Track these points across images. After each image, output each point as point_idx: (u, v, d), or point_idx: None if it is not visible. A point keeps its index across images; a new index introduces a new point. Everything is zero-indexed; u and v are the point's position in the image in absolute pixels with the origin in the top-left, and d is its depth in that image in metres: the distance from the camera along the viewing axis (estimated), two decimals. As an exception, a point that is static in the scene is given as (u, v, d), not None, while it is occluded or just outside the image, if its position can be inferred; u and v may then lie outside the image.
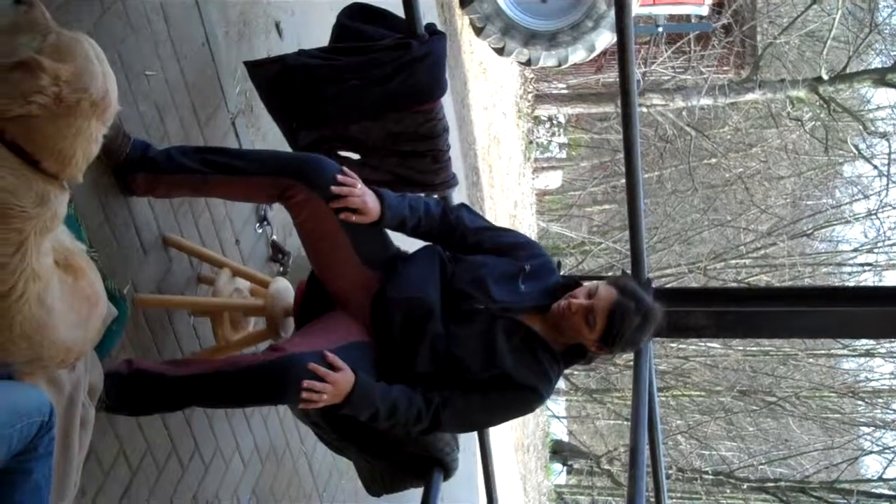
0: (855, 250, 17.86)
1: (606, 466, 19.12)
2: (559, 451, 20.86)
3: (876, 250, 17.15)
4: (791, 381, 17.63)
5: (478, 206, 10.60)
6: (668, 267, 16.91)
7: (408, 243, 3.15)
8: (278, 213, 4.11)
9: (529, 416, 16.94)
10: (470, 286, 2.98)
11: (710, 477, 17.94)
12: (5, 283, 2.00)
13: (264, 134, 4.05)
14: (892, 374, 18.05)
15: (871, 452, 18.11)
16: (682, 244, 17.42)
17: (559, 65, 10.46)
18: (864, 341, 15.14)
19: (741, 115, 16.37)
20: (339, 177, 2.85)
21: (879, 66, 15.59)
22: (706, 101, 14.32)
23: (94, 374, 2.58)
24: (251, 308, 3.38)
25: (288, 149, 3.52)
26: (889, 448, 17.45)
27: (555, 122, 16.71)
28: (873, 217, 16.66)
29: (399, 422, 2.84)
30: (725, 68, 14.72)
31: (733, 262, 17.16)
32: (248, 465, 3.94)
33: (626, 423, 18.53)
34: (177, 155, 2.96)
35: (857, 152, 16.49)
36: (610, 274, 15.85)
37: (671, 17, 13.05)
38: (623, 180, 3.59)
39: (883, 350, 16.29)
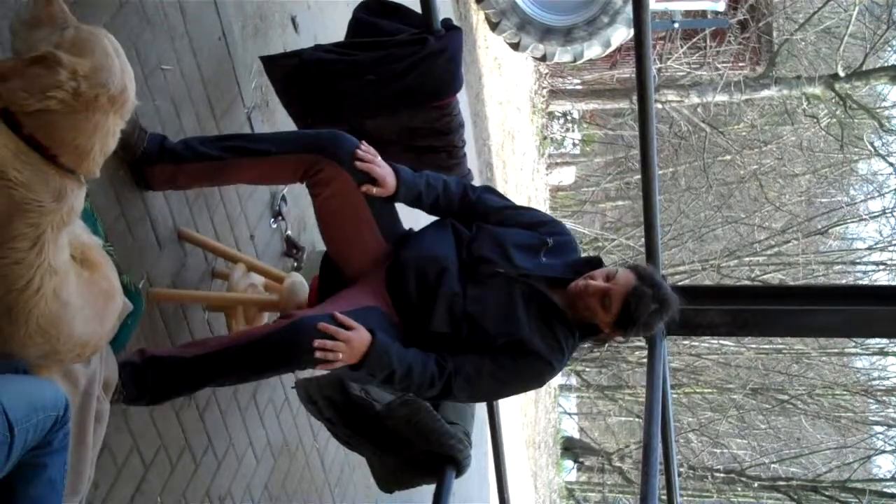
0: (869, 248, 17.77)
1: (618, 464, 19.10)
2: (570, 448, 20.84)
3: (891, 248, 17.06)
4: (804, 380, 17.55)
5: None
6: (681, 264, 16.86)
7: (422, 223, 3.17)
8: (293, 209, 4.11)
9: (541, 413, 16.93)
10: (491, 252, 2.99)
11: (722, 475, 17.89)
12: (22, 278, 2.01)
13: (279, 129, 4.03)
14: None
15: (883, 451, 18.04)
16: (696, 241, 17.36)
17: (574, 60, 10.43)
18: (877, 340, 15.07)
19: (756, 111, 16.30)
20: (362, 147, 2.91)
21: (896, 62, 15.51)
22: (721, 98, 14.25)
23: (108, 368, 2.58)
24: (266, 303, 3.38)
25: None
26: (902, 447, 17.40)
27: (569, 117, 16.67)
28: (888, 215, 16.58)
29: (413, 384, 2.82)
30: (741, 64, 14.64)
31: (747, 259, 17.09)
32: (261, 461, 3.94)
33: (637, 420, 18.53)
34: (195, 144, 2.97)
35: (872, 150, 16.40)
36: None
37: (687, 13, 12.97)
38: (637, 176, 3.59)
39: (896, 346, 16.22)
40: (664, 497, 4.06)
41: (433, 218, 3.18)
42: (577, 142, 18.16)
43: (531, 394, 15.15)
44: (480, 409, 4.04)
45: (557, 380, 19.56)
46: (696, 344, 16.91)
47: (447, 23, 3.46)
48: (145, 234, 3.04)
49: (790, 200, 17.44)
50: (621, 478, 19.53)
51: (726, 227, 17.63)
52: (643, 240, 3.65)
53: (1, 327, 2.07)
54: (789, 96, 14.76)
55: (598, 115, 17.45)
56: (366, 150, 2.91)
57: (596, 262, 3.08)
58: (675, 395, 16.93)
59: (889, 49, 15.95)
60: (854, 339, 14.94)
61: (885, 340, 14.96)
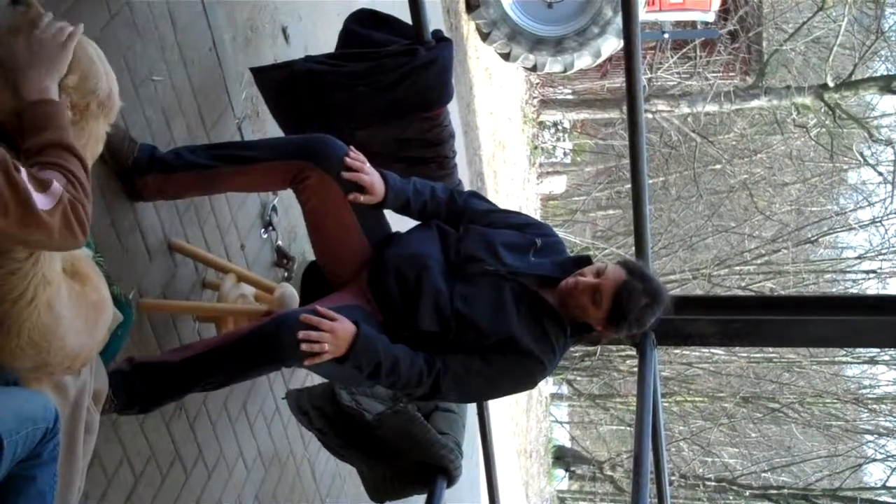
0: (859, 257, 17.82)
1: (609, 472, 19.09)
2: (562, 457, 20.83)
3: (880, 258, 17.12)
4: (794, 388, 17.58)
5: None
6: (672, 273, 16.88)
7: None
8: (283, 219, 4.11)
9: (532, 422, 16.92)
10: (480, 250, 2.99)
11: (713, 484, 17.89)
12: (17, 289, 2.00)
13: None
14: (895, 381, 18.01)
15: (874, 460, 18.07)
16: (687, 250, 17.39)
17: (565, 70, 10.46)
18: (867, 349, 15.10)
19: (746, 121, 16.35)
20: (351, 154, 2.90)
21: (885, 72, 15.57)
22: (711, 108, 14.30)
23: (98, 380, 2.58)
24: (256, 313, 3.37)
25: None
26: (892, 456, 17.42)
27: (560, 127, 16.70)
28: (877, 224, 16.63)
29: (400, 380, 2.81)
30: (731, 74, 14.71)
31: (737, 268, 17.13)
32: (252, 471, 3.93)
33: (628, 428, 18.52)
34: (185, 153, 2.98)
35: (862, 159, 16.46)
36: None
37: (677, 24, 13.03)
38: (628, 185, 3.60)
39: (887, 357, 16.24)
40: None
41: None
42: (567, 151, 18.19)
43: (522, 403, 15.16)
44: (471, 418, 4.04)
45: (549, 388, 19.57)
46: (688, 353, 16.92)
47: (438, 34, 3.47)
48: (136, 244, 3.04)
49: (780, 209, 17.48)
50: (612, 486, 19.53)
51: (717, 236, 17.67)
52: (634, 249, 3.66)
53: (-7, 339, 2.07)
54: (779, 106, 14.81)
55: (589, 124, 17.48)
56: (354, 158, 2.91)
57: (585, 261, 3.08)
58: (666, 404, 16.94)
59: (878, 59, 16.04)
60: (844, 348, 14.97)
61: (875, 349, 15.00)
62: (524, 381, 3.08)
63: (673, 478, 16.83)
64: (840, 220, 17.69)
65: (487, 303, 2.91)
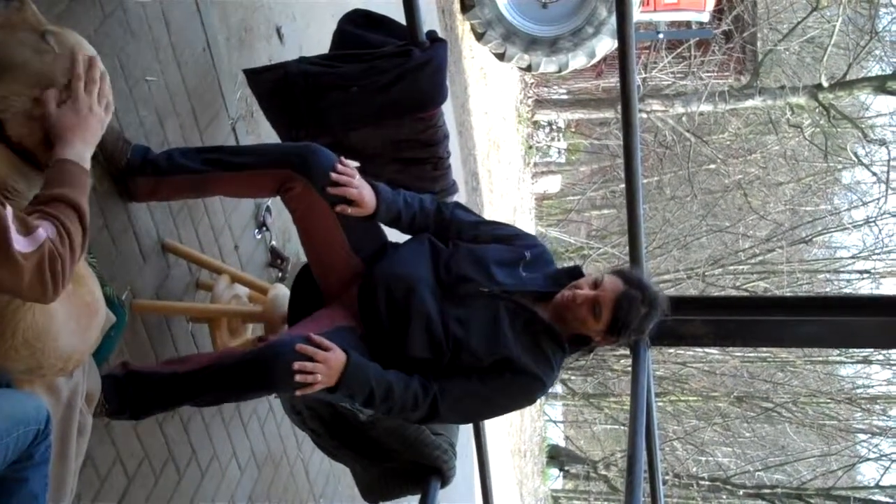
0: (853, 257, 17.86)
1: (603, 472, 19.10)
2: (556, 457, 20.83)
3: (874, 257, 17.15)
4: (788, 388, 17.61)
5: (477, 210, 10.57)
6: (666, 272, 16.90)
7: (401, 237, 3.16)
8: (277, 219, 4.11)
9: (527, 421, 16.93)
10: (471, 270, 2.96)
11: (707, 483, 17.92)
12: None
13: (264, 140, 4.04)
14: (889, 380, 18.04)
15: (867, 459, 18.10)
16: (681, 250, 17.42)
17: (560, 70, 10.47)
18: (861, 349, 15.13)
19: (741, 121, 16.38)
20: (338, 167, 2.85)
21: (879, 72, 15.60)
22: (706, 108, 14.32)
23: (91, 381, 2.57)
24: (250, 314, 3.38)
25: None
26: (886, 455, 17.44)
27: (554, 126, 16.71)
28: (871, 224, 16.67)
29: (395, 405, 2.79)
30: (725, 74, 14.73)
31: (732, 268, 17.16)
32: (245, 471, 3.93)
33: (622, 427, 18.54)
34: (177, 156, 2.96)
35: (856, 159, 16.49)
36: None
37: (672, 24, 13.05)
38: (622, 185, 3.59)
39: (880, 357, 16.27)
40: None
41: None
42: (562, 151, 18.21)
43: (517, 402, 15.13)
44: (465, 418, 4.04)
45: (543, 388, 19.52)
46: (682, 352, 16.95)
47: (432, 35, 3.47)
48: (129, 245, 3.03)
49: (774, 209, 17.52)
50: (606, 486, 19.54)
51: (711, 236, 17.70)
52: (628, 248, 3.66)
53: (-14, 339, 2.06)
54: (773, 106, 14.85)
55: (584, 124, 17.50)
56: (342, 171, 2.85)
57: (577, 272, 3.06)
58: (660, 403, 16.96)
59: (872, 59, 16.07)
60: (838, 349, 15.00)
61: (868, 349, 15.03)
62: (523, 398, 3.06)
63: (667, 477, 16.86)
64: (834, 219, 17.74)
65: (482, 325, 2.88)
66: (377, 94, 3.35)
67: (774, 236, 16.96)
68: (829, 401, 17.47)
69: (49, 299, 1.85)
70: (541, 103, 15.17)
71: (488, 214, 11.49)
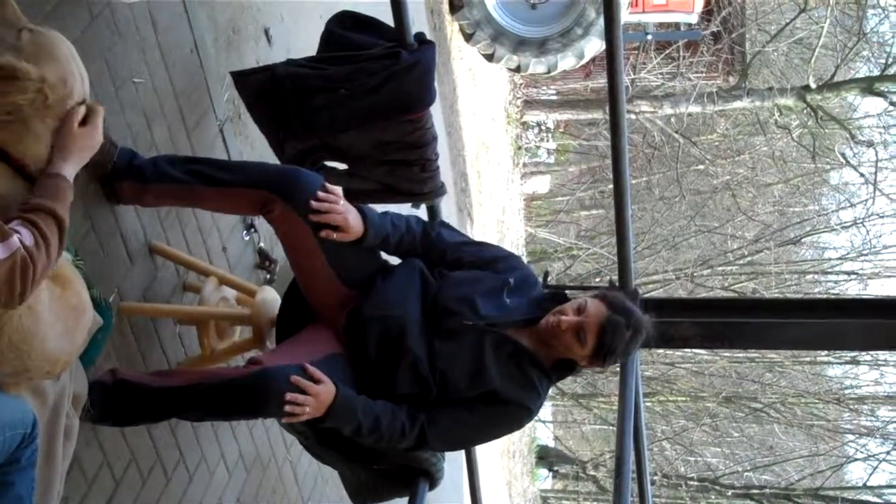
0: (841, 258, 17.92)
1: (592, 472, 19.12)
2: (545, 457, 20.84)
3: (861, 258, 17.22)
4: (776, 388, 17.66)
5: (466, 212, 10.60)
6: (655, 273, 16.93)
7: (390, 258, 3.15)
8: (265, 221, 4.09)
9: (516, 422, 16.89)
10: (456, 303, 2.95)
11: (696, 483, 17.95)
12: None
13: (252, 141, 4.04)
14: (876, 381, 18.11)
15: (855, 460, 18.16)
16: (670, 250, 17.45)
17: (548, 71, 10.47)
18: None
19: (729, 122, 16.42)
20: (321, 193, 2.83)
21: (867, 74, 15.66)
22: (694, 109, 14.35)
23: (78, 384, 2.56)
24: (237, 317, 3.37)
25: (276, 158, 3.51)
26: (874, 455, 17.50)
27: (543, 127, 16.72)
28: (859, 225, 16.73)
29: (383, 437, 2.83)
30: (714, 75, 14.77)
31: (720, 268, 17.20)
32: (233, 474, 3.92)
33: (612, 427, 18.54)
34: (163, 164, 2.94)
35: (843, 160, 16.55)
36: (598, 280, 15.90)
37: (660, 25, 13.08)
38: (611, 186, 3.59)
39: (868, 357, 16.34)
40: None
41: None
42: (551, 151, 18.22)
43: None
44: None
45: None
46: (670, 352, 16.98)
47: (420, 36, 3.46)
48: (116, 247, 3.02)
49: (763, 210, 17.57)
50: (595, 486, 19.56)
51: (699, 237, 17.74)
52: (616, 249, 3.67)
53: (-28, 344, 2.05)
54: (761, 107, 14.88)
55: (573, 125, 17.51)
56: (324, 198, 2.82)
57: (561, 297, 3.05)
58: (648, 404, 16.99)
59: (860, 60, 16.12)
60: (826, 351, 15.05)
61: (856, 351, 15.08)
62: (510, 426, 3.08)
63: (655, 477, 16.88)
64: (822, 220, 17.80)
65: (466, 360, 2.89)
66: (365, 96, 3.35)
67: (763, 237, 17.02)
68: (817, 401, 17.52)
69: (14, 305, 1.89)
70: (530, 104, 15.18)
71: (477, 215, 11.50)
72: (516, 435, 17.00)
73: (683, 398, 18.29)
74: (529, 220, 17.78)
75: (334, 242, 2.86)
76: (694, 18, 12.11)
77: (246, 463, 4.05)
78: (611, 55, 3.18)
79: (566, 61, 10.22)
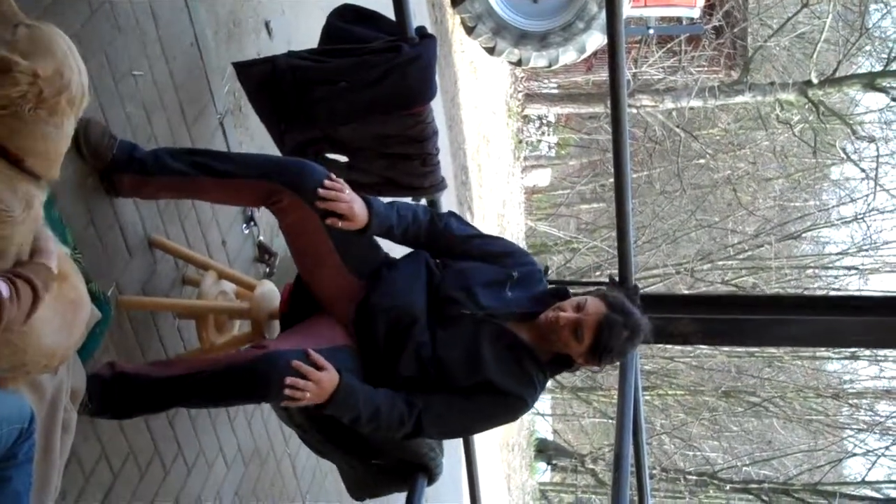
0: (841, 253, 17.92)
1: (591, 466, 19.15)
2: (544, 450, 20.88)
3: (862, 254, 17.22)
4: (775, 383, 17.67)
5: (466, 205, 10.59)
6: (655, 267, 16.93)
7: (394, 248, 3.14)
8: (265, 214, 4.08)
9: (515, 415, 16.91)
10: (457, 292, 2.96)
11: (694, 477, 17.98)
12: None
13: (252, 134, 4.02)
14: (875, 376, 18.13)
15: (854, 455, 18.18)
16: (670, 244, 17.44)
17: (550, 65, 10.46)
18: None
19: (731, 116, 16.41)
20: (327, 182, 2.84)
21: (869, 69, 15.64)
22: (696, 103, 14.33)
23: (76, 378, 2.55)
24: (236, 311, 3.36)
25: (276, 150, 3.50)
26: (872, 450, 17.52)
27: (544, 121, 16.71)
28: (860, 220, 16.73)
29: (381, 427, 2.83)
30: (716, 69, 14.74)
31: (720, 263, 17.20)
32: (232, 467, 3.92)
33: (611, 421, 18.56)
34: (164, 156, 2.93)
35: (845, 156, 16.54)
36: (598, 274, 15.89)
37: (662, 19, 13.05)
38: (612, 179, 3.59)
39: (867, 353, 16.33)
40: (635, 498, 4.08)
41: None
42: (552, 145, 18.21)
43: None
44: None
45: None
46: (670, 347, 16.98)
47: (422, 30, 3.45)
48: (115, 241, 3.01)
49: (763, 205, 17.56)
50: (594, 479, 19.59)
51: (700, 231, 17.73)
52: (616, 243, 3.67)
53: (-33, 340, 2.05)
54: (763, 102, 14.87)
55: (574, 118, 17.50)
56: (330, 186, 2.83)
57: (562, 293, 3.05)
58: (647, 397, 17.01)
59: (862, 55, 16.10)
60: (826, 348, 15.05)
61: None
62: (505, 417, 3.08)
63: (654, 471, 16.91)
64: (822, 215, 17.79)
65: (463, 348, 2.90)
66: (366, 90, 3.34)
67: (763, 232, 17.01)
68: (816, 396, 17.53)
69: None
70: (531, 97, 15.17)
71: (478, 209, 11.49)
72: (515, 428, 17.03)
73: (682, 392, 18.31)
74: (530, 214, 17.78)
75: (341, 232, 2.86)
76: (696, 13, 12.09)
77: (244, 456, 4.04)
78: (612, 49, 3.18)
79: (567, 55, 10.21)
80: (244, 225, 3.96)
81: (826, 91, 14.32)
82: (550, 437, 22.21)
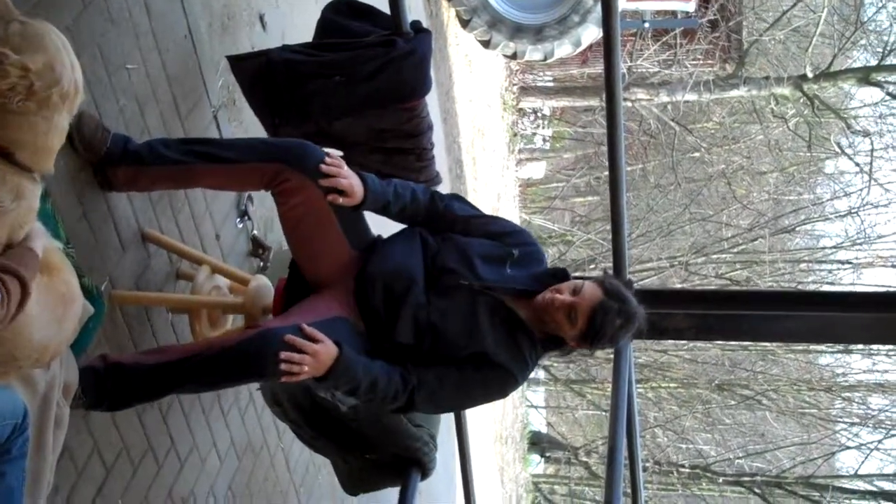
0: (835, 247, 17.95)
1: (584, 458, 19.18)
2: (537, 443, 20.92)
3: (856, 247, 17.24)
4: (769, 376, 17.70)
5: (462, 198, 10.56)
6: (649, 261, 16.94)
7: (390, 230, 3.15)
8: (259, 208, 4.08)
9: (508, 408, 16.97)
10: (456, 262, 2.97)
11: (687, 470, 18.02)
12: None
13: (246, 127, 4.01)
14: (868, 369, 18.17)
15: (847, 448, 18.23)
16: (664, 237, 17.45)
17: (545, 59, 10.44)
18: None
19: (725, 110, 16.41)
20: (327, 159, 2.87)
21: (864, 63, 15.65)
22: (691, 97, 14.33)
23: (69, 373, 2.54)
24: (230, 305, 3.35)
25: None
26: (865, 444, 17.57)
27: (539, 114, 16.70)
28: (854, 214, 16.76)
29: (377, 397, 2.82)
30: (711, 63, 14.74)
31: (714, 256, 17.21)
32: (225, 461, 3.91)
33: (604, 413, 18.60)
34: (159, 146, 2.93)
35: (839, 150, 16.56)
36: (592, 267, 15.91)
37: (657, 13, 13.04)
38: (606, 172, 3.59)
39: (860, 347, 16.36)
40: (628, 491, 4.09)
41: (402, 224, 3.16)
42: (546, 138, 18.20)
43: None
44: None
45: (525, 375, 19.56)
46: (663, 340, 16.99)
47: (416, 25, 3.45)
48: (108, 235, 3.00)
49: (758, 198, 17.57)
50: (587, 472, 19.63)
51: (694, 225, 17.75)
52: (611, 236, 3.67)
53: (-43, 334, 2.04)
54: (758, 96, 14.88)
55: (568, 111, 17.49)
56: (331, 162, 2.86)
57: (562, 275, 3.06)
58: (641, 390, 17.02)
59: (857, 49, 16.11)
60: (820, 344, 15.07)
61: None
62: (495, 392, 3.07)
63: (647, 464, 16.95)
64: (817, 209, 17.82)
65: (461, 317, 2.90)
66: (360, 84, 3.34)
67: (757, 225, 17.03)
68: (809, 389, 17.57)
69: None
70: (526, 91, 15.17)
71: (473, 202, 11.43)
72: (509, 420, 17.05)
73: (676, 385, 18.33)
74: (524, 207, 17.78)
75: (343, 208, 2.89)
76: (691, 6, 12.08)
77: (237, 450, 4.04)
78: (608, 43, 3.17)
79: (563, 49, 10.19)
80: (238, 219, 3.95)
81: (821, 85, 14.33)
82: (544, 430, 22.24)
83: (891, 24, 15.53)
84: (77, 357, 2.63)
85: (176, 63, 3.42)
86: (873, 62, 15.28)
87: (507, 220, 3.29)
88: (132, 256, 3.15)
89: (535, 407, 22.56)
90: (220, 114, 3.79)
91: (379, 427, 3.38)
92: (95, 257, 2.93)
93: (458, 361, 2.90)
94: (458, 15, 10.10)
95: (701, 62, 14.49)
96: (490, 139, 13.38)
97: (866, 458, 17.52)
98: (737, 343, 16.40)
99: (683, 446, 19.77)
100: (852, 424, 18.10)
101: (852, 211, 16.74)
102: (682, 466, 18.27)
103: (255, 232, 4.07)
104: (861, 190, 16.47)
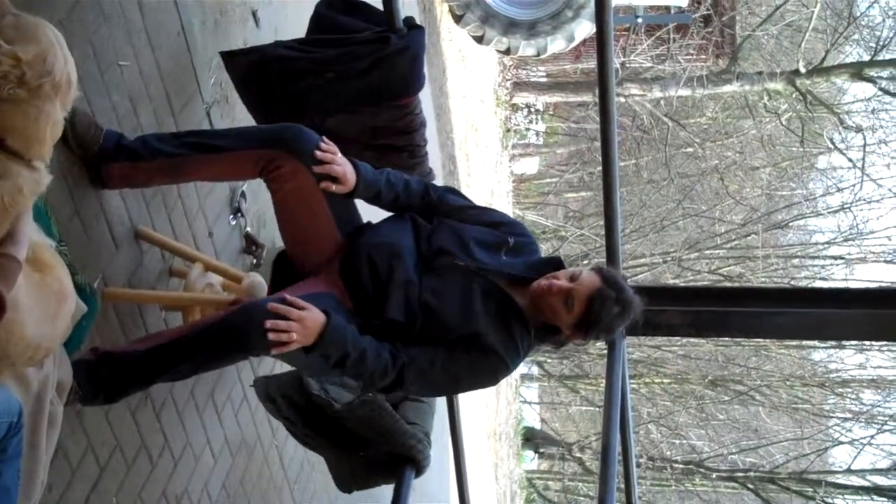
0: (828, 243, 17.97)
1: (578, 454, 19.20)
2: (531, 439, 20.92)
3: (848, 243, 17.27)
4: (762, 371, 17.73)
5: (454, 194, 10.55)
6: (642, 256, 16.95)
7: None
8: (252, 205, 4.07)
9: (502, 404, 16.97)
10: (451, 244, 2.98)
11: (681, 466, 18.05)
12: None
13: (239, 124, 4.00)
14: (861, 364, 18.22)
15: (840, 443, 18.27)
16: (657, 233, 17.46)
17: (538, 54, 10.44)
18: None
19: (718, 105, 16.42)
20: (322, 145, 2.88)
21: (857, 58, 15.67)
22: (684, 92, 14.34)
23: (62, 371, 2.54)
24: (223, 303, 3.34)
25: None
26: (858, 439, 17.62)
27: (532, 109, 16.69)
28: (846, 210, 16.78)
29: (366, 371, 2.79)
30: (704, 58, 14.75)
31: (707, 252, 17.23)
32: (219, 459, 3.91)
33: (598, 409, 18.61)
34: (152, 141, 2.93)
35: (832, 145, 16.58)
36: (585, 262, 15.90)
37: (651, 8, 13.04)
38: (600, 168, 3.60)
39: (854, 341, 16.39)
40: (622, 486, 4.09)
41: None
42: (540, 133, 18.20)
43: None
44: (441, 403, 4.04)
45: (520, 370, 19.62)
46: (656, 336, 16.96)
47: (410, 21, 3.44)
48: (101, 232, 2.99)
49: (751, 194, 17.59)
50: (581, 467, 19.65)
51: (687, 220, 17.76)
52: (604, 231, 3.67)
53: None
54: (751, 91, 14.88)
55: (562, 107, 17.48)
56: (325, 149, 2.88)
57: (557, 263, 3.06)
58: (634, 386, 17.04)
59: (850, 44, 16.13)
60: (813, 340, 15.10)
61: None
62: (486, 378, 3.06)
63: (640, 460, 16.97)
64: (810, 205, 17.83)
65: (455, 297, 2.89)
66: (353, 81, 3.33)
67: (750, 221, 17.04)
68: (802, 385, 17.60)
69: None
70: (519, 86, 15.15)
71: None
72: (503, 416, 17.06)
73: (669, 381, 18.36)
74: (518, 202, 17.77)
75: (335, 195, 2.90)
76: (684, 1, 12.09)
77: (231, 448, 4.03)
78: (601, 38, 3.17)
79: (556, 44, 10.19)
80: (231, 216, 3.94)
81: (814, 80, 14.35)
82: (538, 426, 22.26)
83: (883, 20, 15.58)
84: (70, 355, 2.63)
85: (169, 60, 3.41)
86: (866, 57, 15.31)
87: (502, 212, 3.30)
88: (125, 254, 3.14)
89: (529, 403, 22.57)
90: (213, 110, 3.78)
91: (373, 424, 3.38)
92: (88, 255, 2.92)
93: (449, 343, 2.89)
94: (451, 10, 10.09)
95: (694, 57, 14.48)
96: (483, 135, 13.37)
97: (859, 453, 17.57)
98: (730, 339, 16.43)
99: (677, 442, 19.81)
100: (845, 420, 18.15)
101: (845, 206, 16.76)
102: (676, 462, 18.31)
103: (249, 229, 4.06)
104: (854, 185, 16.51)
